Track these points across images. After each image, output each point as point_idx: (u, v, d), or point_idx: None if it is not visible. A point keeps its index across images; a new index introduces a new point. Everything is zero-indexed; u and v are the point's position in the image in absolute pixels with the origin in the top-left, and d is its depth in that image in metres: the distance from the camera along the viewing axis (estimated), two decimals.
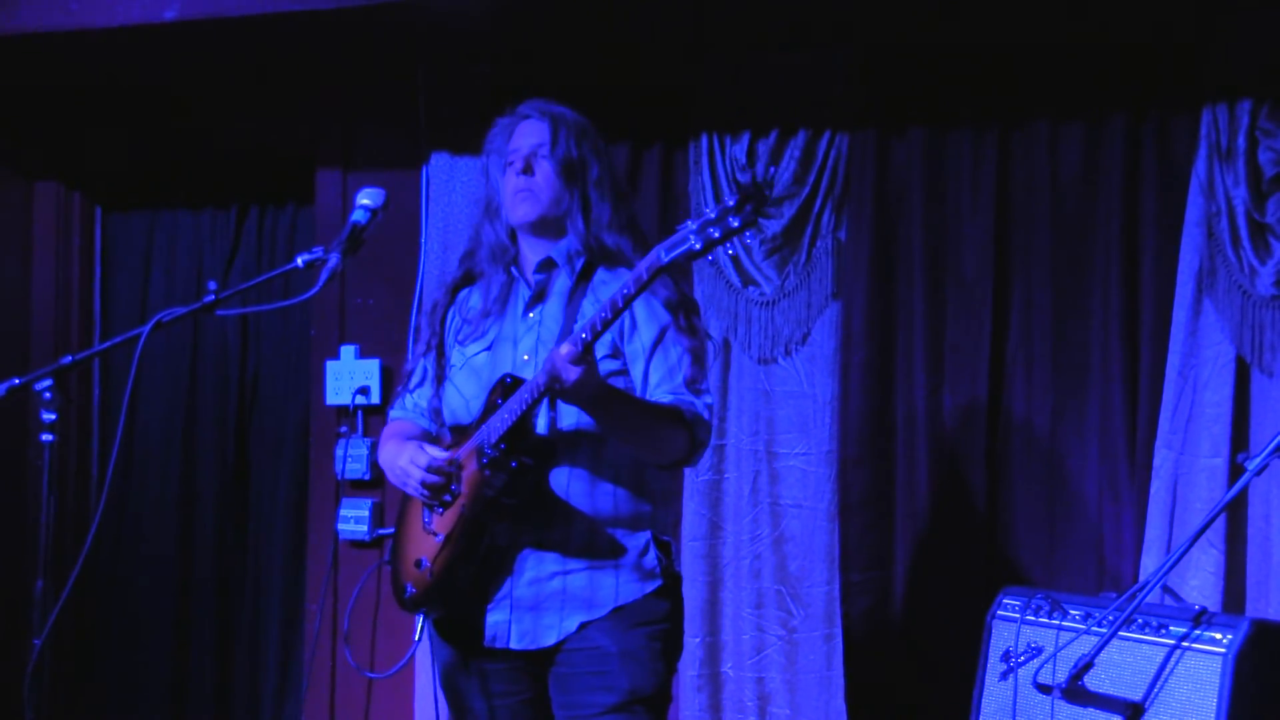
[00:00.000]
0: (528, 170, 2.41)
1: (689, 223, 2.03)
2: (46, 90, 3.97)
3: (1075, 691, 2.53)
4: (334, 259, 2.18)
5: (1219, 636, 2.44)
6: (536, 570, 2.34)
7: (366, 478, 3.75)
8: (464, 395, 2.44)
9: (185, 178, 4.27)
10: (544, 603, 2.34)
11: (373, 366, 3.76)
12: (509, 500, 2.28)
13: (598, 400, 2.18)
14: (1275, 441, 2.30)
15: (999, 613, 2.81)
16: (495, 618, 2.36)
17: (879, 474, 3.39)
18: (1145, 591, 2.41)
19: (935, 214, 3.37)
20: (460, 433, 2.41)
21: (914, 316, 3.37)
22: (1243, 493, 2.82)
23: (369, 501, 3.76)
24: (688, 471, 3.43)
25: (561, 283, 2.44)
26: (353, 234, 2.24)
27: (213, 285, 2.19)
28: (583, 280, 2.42)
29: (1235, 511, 3.06)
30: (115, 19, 3.38)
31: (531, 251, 2.47)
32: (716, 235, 1.99)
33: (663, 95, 3.55)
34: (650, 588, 2.36)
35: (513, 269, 2.48)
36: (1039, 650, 2.68)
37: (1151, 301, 3.19)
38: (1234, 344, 3.07)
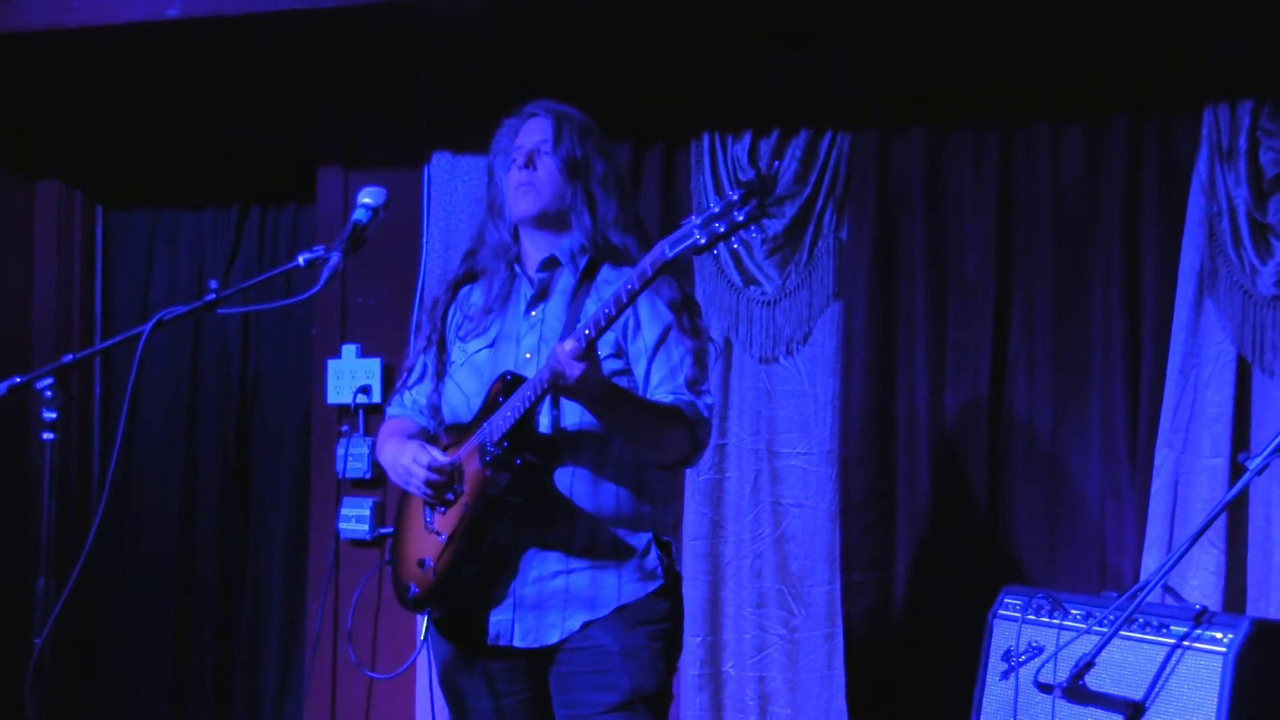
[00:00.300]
0: (530, 165, 2.42)
1: (693, 217, 2.03)
2: (48, 88, 3.98)
3: (1076, 691, 2.53)
4: (335, 258, 2.18)
5: (1220, 636, 2.44)
6: (539, 569, 2.34)
7: (368, 477, 3.76)
8: (464, 392, 2.44)
9: (187, 176, 4.27)
10: (547, 601, 2.34)
11: (374, 365, 3.76)
12: (512, 499, 2.28)
13: (601, 398, 2.18)
14: (1276, 441, 2.30)
15: (1000, 612, 2.81)
16: (498, 616, 2.36)
17: (880, 474, 3.39)
18: (1146, 591, 2.41)
19: (937, 214, 3.37)
20: (459, 430, 2.40)
21: (915, 316, 3.37)
22: (1244, 492, 2.83)
23: (370, 500, 3.76)
24: (689, 471, 3.42)
25: (565, 281, 2.44)
26: (354, 233, 2.24)
27: (214, 284, 2.19)
28: (586, 278, 2.42)
29: (1236, 511, 3.06)
30: (117, 17, 3.38)
31: (534, 249, 2.47)
32: (721, 230, 1.99)
33: (664, 95, 3.55)
34: (651, 587, 2.36)
35: (515, 266, 2.48)
36: (1040, 649, 2.68)
37: (1153, 301, 3.19)
38: (1235, 344, 3.07)
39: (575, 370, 2.10)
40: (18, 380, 2.14)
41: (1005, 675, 2.74)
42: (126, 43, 3.50)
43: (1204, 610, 2.49)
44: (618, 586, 2.34)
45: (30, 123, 4.13)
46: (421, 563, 2.39)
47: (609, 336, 2.28)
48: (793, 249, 3.43)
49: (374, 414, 3.75)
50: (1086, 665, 2.45)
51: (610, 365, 2.32)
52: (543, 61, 3.53)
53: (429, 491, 2.35)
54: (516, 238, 2.49)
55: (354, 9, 3.26)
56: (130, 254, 4.33)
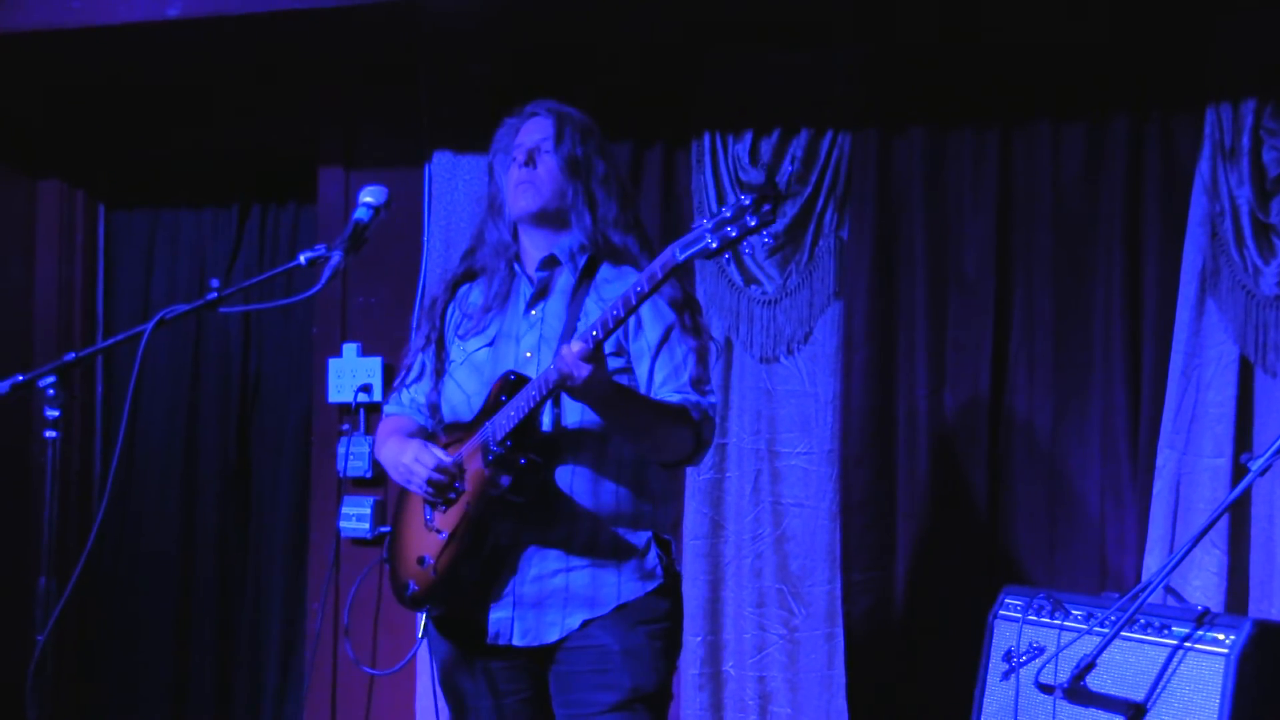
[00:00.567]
0: (530, 163, 2.42)
1: (704, 220, 2.02)
2: (49, 88, 3.98)
3: (1077, 692, 2.53)
4: (336, 257, 2.18)
5: (1221, 637, 2.44)
6: (539, 568, 2.34)
7: (368, 475, 3.76)
8: (465, 391, 2.44)
9: (188, 176, 4.27)
10: (547, 600, 2.34)
11: (375, 364, 3.77)
12: (514, 498, 2.28)
13: (607, 398, 2.18)
14: (1278, 442, 2.30)
15: (1001, 612, 2.81)
16: (498, 615, 2.36)
17: (880, 473, 3.39)
18: (1148, 592, 2.41)
19: (937, 213, 3.37)
20: (459, 429, 2.40)
21: (916, 316, 3.37)
22: (1246, 493, 2.83)
23: (371, 499, 3.76)
24: (690, 470, 3.43)
25: (564, 280, 2.44)
26: (355, 232, 2.24)
27: (215, 283, 2.18)
28: (586, 277, 2.42)
29: (1238, 512, 3.06)
30: (118, 17, 3.38)
31: (534, 247, 2.47)
32: (733, 235, 1.98)
33: (664, 94, 3.55)
34: (651, 586, 2.36)
35: (515, 265, 2.48)
36: (1041, 650, 2.68)
37: (1154, 301, 3.19)
38: (1237, 344, 3.06)
39: (583, 371, 2.10)
40: (20, 378, 2.14)
41: (1006, 676, 2.73)
42: (127, 42, 3.50)
43: (1206, 611, 2.49)
44: (617, 585, 2.34)
45: (31, 122, 4.13)
46: (421, 560, 2.39)
47: (610, 335, 2.28)
48: (794, 248, 3.43)
49: (375, 413, 3.75)
50: (1088, 666, 2.45)
51: (612, 363, 2.32)
52: (543, 61, 3.53)
53: (430, 490, 2.35)
54: (516, 236, 2.49)
55: (354, 9, 3.26)
56: (131, 253, 4.33)
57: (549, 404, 2.28)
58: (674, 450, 2.33)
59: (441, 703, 2.54)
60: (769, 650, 3.42)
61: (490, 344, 2.45)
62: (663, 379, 2.36)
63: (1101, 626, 2.52)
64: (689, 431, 2.31)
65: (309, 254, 2.20)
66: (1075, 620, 2.65)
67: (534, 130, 2.45)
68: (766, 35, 3.42)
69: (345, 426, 3.78)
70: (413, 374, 2.55)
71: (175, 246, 4.30)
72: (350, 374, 3.78)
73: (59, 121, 4.13)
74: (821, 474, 3.39)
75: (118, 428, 4.10)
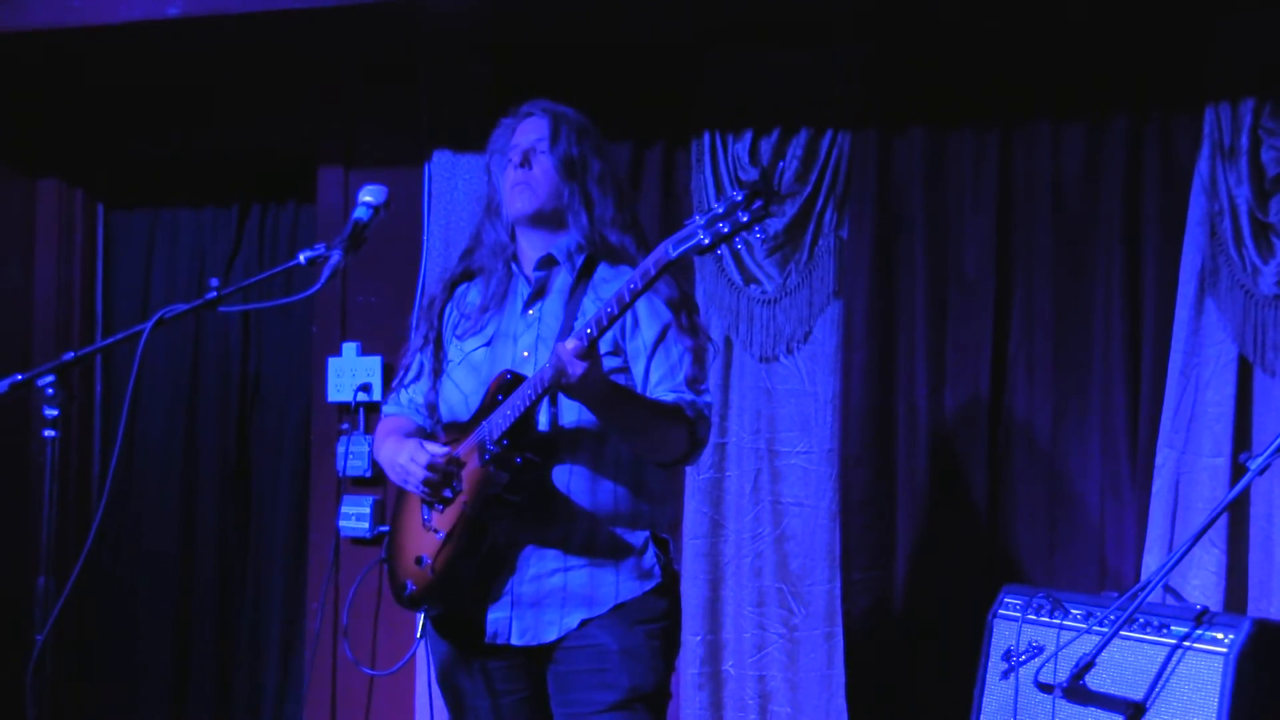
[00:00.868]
0: (526, 164, 2.42)
1: (696, 217, 2.03)
2: (49, 87, 3.98)
3: (1076, 691, 2.53)
4: (336, 256, 2.18)
5: (1221, 636, 2.44)
6: (538, 567, 2.34)
7: (368, 475, 3.76)
8: (462, 391, 2.44)
9: (187, 175, 4.27)
10: (545, 599, 2.34)
11: (374, 364, 3.77)
12: (512, 497, 2.28)
13: (602, 397, 2.18)
14: (1278, 441, 2.30)
15: (1000, 611, 2.81)
16: (496, 614, 2.36)
17: (880, 473, 3.39)
18: (1147, 591, 2.41)
19: (937, 213, 3.37)
20: (456, 429, 2.40)
21: (915, 315, 3.37)
22: (1245, 492, 2.83)
23: (370, 499, 3.76)
24: (689, 469, 3.43)
25: (562, 280, 2.44)
26: (355, 231, 2.24)
27: (214, 282, 2.18)
28: (583, 277, 2.42)
29: (1237, 511, 3.06)
30: (118, 16, 3.38)
31: (531, 247, 2.47)
32: (725, 230, 1.99)
33: (664, 94, 3.55)
34: (649, 585, 2.36)
35: (512, 265, 2.48)
36: (1040, 649, 2.68)
37: (1153, 301, 3.19)
38: (1236, 343, 3.07)
39: (577, 369, 2.10)
40: (19, 378, 2.14)
41: (1005, 675, 2.74)
42: (127, 41, 3.50)
43: (1205, 610, 2.49)
44: (615, 585, 2.34)
45: (31, 121, 4.13)
46: (419, 560, 2.39)
47: (607, 334, 2.28)
48: (793, 248, 3.43)
49: (374, 412, 3.75)
50: (1087, 665, 2.45)
51: (608, 363, 2.31)
52: (543, 61, 3.53)
53: (427, 489, 2.35)
54: (513, 237, 2.49)
55: (354, 9, 3.26)
56: (131, 252, 4.33)
57: (546, 403, 2.28)
58: (669, 449, 2.33)
59: (440, 702, 2.54)
60: (769, 649, 3.43)
61: (488, 344, 2.45)
62: (658, 378, 2.36)
63: (1101, 625, 2.52)
64: (683, 430, 2.31)
65: (308, 253, 2.20)
66: (1074, 619, 2.65)
67: (529, 130, 2.45)
68: (766, 35, 3.42)
69: (345, 426, 3.78)
70: (411, 374, 2.55)
71: (175, 246, 4.30)
72: (350, 373, 3.78)
73: (59, 121, 4.13)
74: (821, 473, 3.39)
75: (117, 427, 4.10)
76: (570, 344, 2.10)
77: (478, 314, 2.47)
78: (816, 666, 3.37)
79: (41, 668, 2.14)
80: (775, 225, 3.42)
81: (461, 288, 2.55)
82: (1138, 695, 2.50)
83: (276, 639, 4.10)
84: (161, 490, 4.24)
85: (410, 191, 3.69)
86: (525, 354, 2.39)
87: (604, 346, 2.31)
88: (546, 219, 2.43)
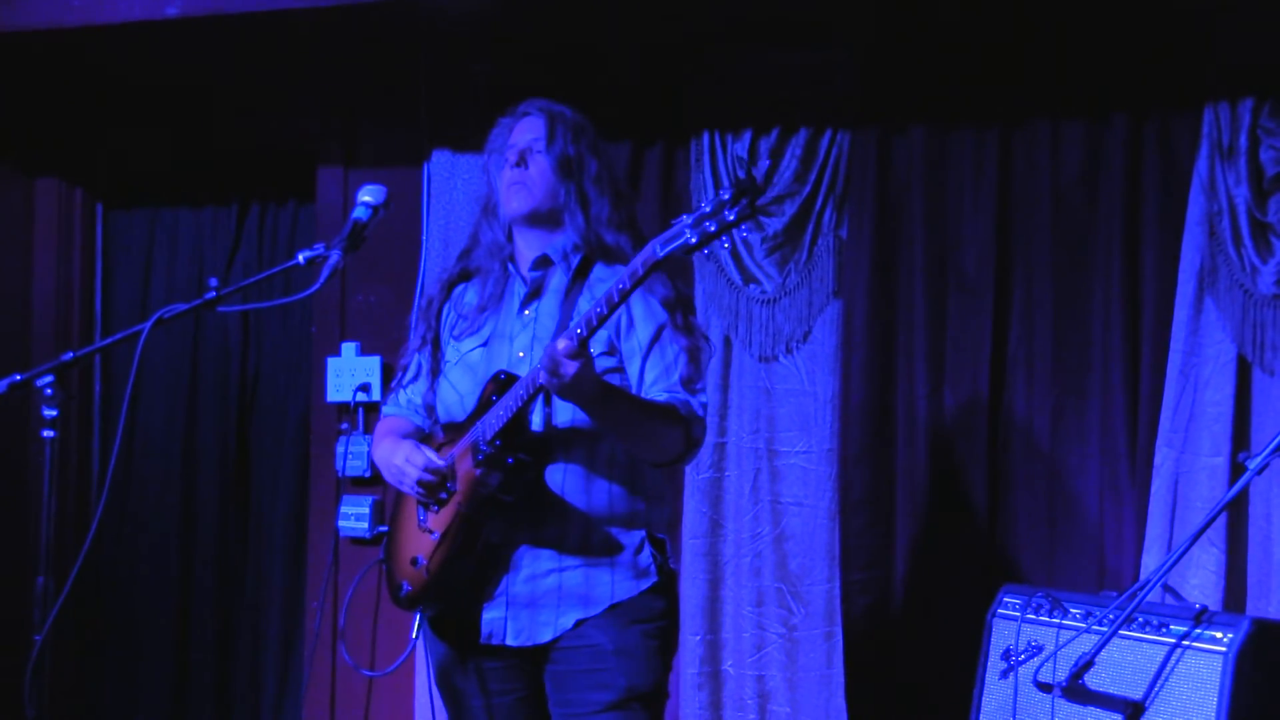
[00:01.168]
0: (522, 164, 2.42)
1: (684, 217, 2.03)
2: (48, 87, 3.97)
3: (1076, 690, 2.53)
4: (335, 256, 2.19)
5: (1220, 635, 2.44)
6: (533, 567, 2.34)
7: (367, 475, 3.76)
8: (458, 391, 2.44)
9: (186, 175, 4.27)
10: (540, 599, 2.34)
11: (374, 364, 3.77)
12: (505, 497, 2.28)
13: (594, 396, 2.18)
14: (1276, 440, 2.30)
15: (999, 611, 2.81)
16: (491, 615, 2.36)
17: (880, 472, 3.39)
18: (1146, 590, 2.41)
19: (936, 212, 3.37)
20: (454, 429, 2.40)
21: (915, 315, 3.37)
22: (1244, 491, 2.83)
23: (370, 499, 3.76)
24: (688, 469, 3.43)
25: (558, 279, 2.44)
26: (354, 231, 2.24)
27: (214, 282, 2.19)
28: (579, 277, 2.41)
29: (1236, 510, 3.06)
30: (118, 15, 3.38)
31: (527, 247, 2.47)
32: (712, 229, 1.99)
33: (664, 93, 3.55)
34: (645, 585, 2.36)
35: (509, 265, 2.48)
36: (1039, 649, 2.68)
37: (1152, 300, 3.19)
38: (1235, 343, 3.07)
39: (569, 369, 2.10)
40: (18, 378, 2.14)
41: (1005, 674, 2.74)
42: (126, 41, 3.50)
43: (1204, 610, 2.49)
44: (611, 584, 2.34)
45: (30, 121, 4.13)
46: (414, 561, 2.39)
47: (601, 334, 2.28)
48: (792, 247, 3.43)
49: (373, 412, 3.76)
50: (1086, 664, 2.45)
51: (603, 363, 2.32)
52: (542, 60, 3.53)
53: (421, 491, 2.35)
54: (510, 237, 2.49)
55: (354, 8, 3.26)
56: (130, 252, 4.33)
57: (540, 403, 2.28)
58: (664, 450, 2.32)
59: (439, 702, 2.54)
60: (768, 649, 3.43)
61: (484, 344, 2.45)
62: (653, 378, 2.35)
63: (1100, 625, 2.52)
64: (678, 430, 2.30)
65: (308, 253, 2.20)
66: (1074, 619, 2.65)
67: (526, 130, 2.45)
68: (766, 34, 3.42)
69: (344, 426, 3.78)
70: (409, 374, 2.56)
71: (174, 246, 4.30)
72: (349, 373, 3.78)
73: (58, 120, 4.13)
74: (820, 473, 3.39)
75: (116, 427, 4.10)
76: (561, 343, 2.10)
77: (475, 314, 2.47)
78: (816, 666, 3.37)
79: (41, 668, 2.14)
80: (775, 225, 3.42)
81: (459, 288, 2.55)
82: (1137, 694, 2.51)
83: (276, 639, 4.10)
84: (161, 490, 4.24)
85: (410, 191, 3.69)
86: (521, 354, 2.39)
87: (598, 346, 2.31)
88: (543, 218, 2.43)
